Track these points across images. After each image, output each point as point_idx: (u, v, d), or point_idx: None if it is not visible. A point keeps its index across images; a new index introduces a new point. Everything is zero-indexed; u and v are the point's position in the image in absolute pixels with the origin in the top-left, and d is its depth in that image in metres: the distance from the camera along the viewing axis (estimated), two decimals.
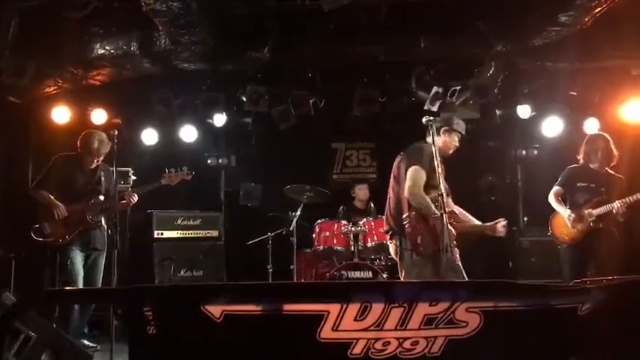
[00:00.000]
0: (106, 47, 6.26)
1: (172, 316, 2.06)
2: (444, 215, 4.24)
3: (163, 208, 7.16)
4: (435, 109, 7.08)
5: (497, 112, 7.63)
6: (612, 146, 5.37)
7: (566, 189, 5.44)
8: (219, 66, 6.85)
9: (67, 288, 5.00)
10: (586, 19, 5.65)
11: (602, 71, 6.91)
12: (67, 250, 5.27)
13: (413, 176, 4.60)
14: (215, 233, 7.36)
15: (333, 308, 2.07)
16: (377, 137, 8.76)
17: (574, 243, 5.32)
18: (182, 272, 6.96)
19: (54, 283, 6.24)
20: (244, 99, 7.24)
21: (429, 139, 4.78)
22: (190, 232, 7.20)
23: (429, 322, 2.09)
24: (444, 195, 4.32)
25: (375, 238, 6.49)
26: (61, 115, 7.09)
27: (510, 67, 6.96)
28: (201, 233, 7.27)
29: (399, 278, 4.82)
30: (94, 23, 6.14)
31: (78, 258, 5.30)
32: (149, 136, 7.70)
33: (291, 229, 6.77)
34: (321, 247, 6.70)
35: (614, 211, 5.11)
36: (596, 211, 5.20)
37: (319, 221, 6.85)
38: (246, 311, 2.06)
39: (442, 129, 4.80)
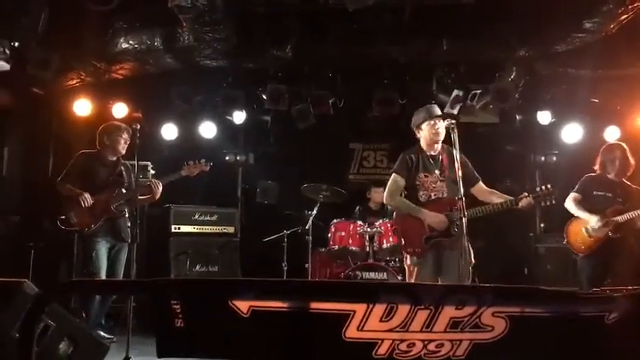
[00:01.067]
0: (130, 42, 6.32)
1: (200, 310, 2.08)
2: (464, 219, 4.25)
3: (181, 203, 7.22)
4: (455, 112, 7.06)
5: (518, 117, 7.62)
6: (629, 155, 5.32)
7: (583, 196, 5.38)
8: (240, 63, 6.89)
9: (97, 279, 5.07)
10: (611, 26, 5.62)
11: (624, 79, 6.85)
12: (93, 241, 5.35)
13: (388, 184, 4.80)
14: (231, 229, 7.42)
15: (360, 308, 2.08)
16: (395, 139, 8.71)
17: (590, 252, 5.25)
18: (197, 267, 7.01)
19: (71, 273, 6.33)
20: (264, 97, 7.26)
21: (421, 141, 4.81)
22: (207, 227, 7.25)
23: (454, 325, 2.09)
24: (463, 199, 4.32)
25: (391, 239, 6.47)
26: (82, 107, 7.18)
27: (532, 73, 6.94)
28: (218, 229, 7.32)
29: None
30: (118, 18, 6.20)
31: (103, 250, 5.38)
32: (169, 131, 7.77)
33: (306, 227, 6.78)
34: (337, 246, 6.70)
35: None
36: (615, 220, 5.12)
37: (335, 221, 6.85)
38: (273, 307, 2.07)
39: (416, 126, 4.80)
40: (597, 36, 5.79)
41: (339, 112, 7.56)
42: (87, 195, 5.33)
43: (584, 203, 5.35)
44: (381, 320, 2.08)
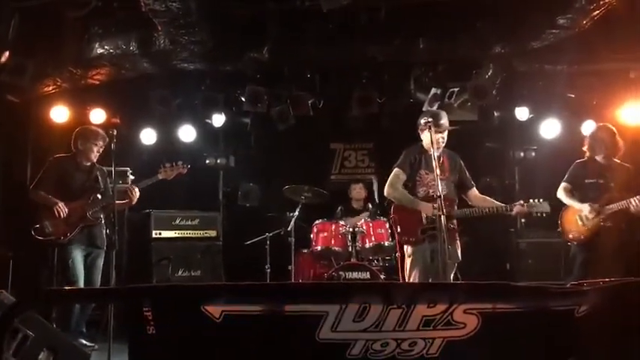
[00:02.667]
0: (106, 47, 6.26)
1: (172, 316, 2.07)
2: (442, 217, 4.31)
3: (162, 208, 7.17)
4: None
5: (496, 113, 7.65)
6: (617, 137, 5.34)
7: (574, 186, 5.41)
8: (218, 66, 6.87)
9: (68, 288, 5.01)
10: (584, 22, 5.68)
11: (600, 74, 6.93)
12: (69, 248, 5.29)
13: (390, 178, 4.94)
14: (213, 233, 7.36)
15: (333, 309, 2.08)
16: (375, 138, 8.78)
17: (584, 240, 5.28)
18: (180, 272, 6.96)
19: (51, 282, 6.26)
20: (243, 99, 7.24)
21: (423, 139, 4.89)
22: (188, 232, 7.19)
23: (427, 323, 2.11)
24: (442, 196, 4.38)
25: (373, 238, 6.50)
26: (60, 114, 7.09)
27: (509, 69, 6.97)
28: (200, 233, 7.26)
29: (397, 278, 4.92)
30: (93, 23, 6.14)
31: (79, 257, 5.32)
32: (148, 136, 7.72)
33: (289, 229, 6.77)
34: (319, 247, 6.69)
35: (632, 208, 5.01)
36: (606, 209, 5.15)
37: (317, 221, 6.85)
38: (246, 311, 2.07)
39: (420, 128, 4.88)
40: (571, 32, 5.84)
41: (319, 112, 7.56)
42: (62, 204, 5.27)
43: (577, 192, 5.38)
44: (354, 320, 2.09)
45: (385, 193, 4.98)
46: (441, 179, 4.68)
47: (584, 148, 5.48)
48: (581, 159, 5.52)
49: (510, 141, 8.11)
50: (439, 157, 4.80)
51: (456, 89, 7.07)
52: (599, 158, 5.38)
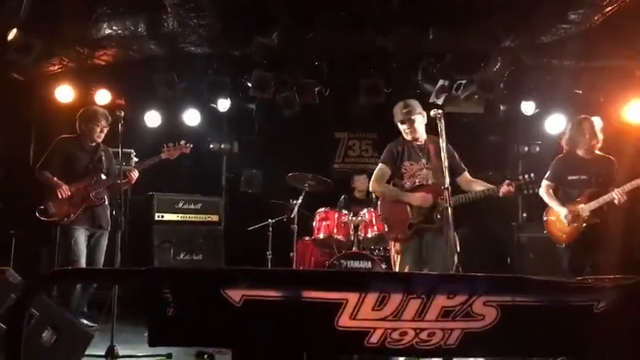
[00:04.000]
0: (114, 27, 6.24)
1: (192, 299, 2.07)
2: (449, 209, 4.28)
3: (165, 191, 7.16)
4: (440, 102, 7.08)
5: (502, 107, 7.67)
6: (598, 129, 5.08)
7: (556, 183, 5.18)
8: (225, 50, 6.84)
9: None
10: (596, 18, 5.67)
11: (607, 71, 6.93)
12: (72, 229, 5.29)
13: (374, 173, 4.89)
14: (215, 218, 7.38)
15: (352, 297, 2.08)
16: (380, 128, 8.75)
17: (572, 240, 5.06)
18: (181, 255, 6.97)
19: (52, 261, 6.25)
20: (250, 84, 7.21)
21: (403, 130, 4.82)
22: (191, 215, 7.20)
23: (446, 314, 2.10)
24: (449, 189, 4.34)
25: (375, 228, 6.49)
26: (64, 94, 7.07)
27: (516, 63, 6.97)
28: (202, 217, 7.28)
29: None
30: (102, 3, 6.11)
31: (82, 238, 5.33)
32: (152, 119, 7.71)
33: (292, 216, 6.77)
34: (322, 235, 6.68)
35: (615, 202, 4.86)
36: (589, 206, 4.96)
37: (320, 210, 6.84)
38: (266, 297, 2.07)
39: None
40: (582, 27, 5.84)
41: (324, 100, 7.54)
42: (65, 187, 5.28)
43: (561, 190, 5.18)
44: (373, 309, 2.08)
45: (370, 189, 4.98)
46: (427, 168, 4.68)
47: (563, 143, 5.25)
48: (561, 155, 5.27)
49: (515, 135, 8.13)
50: (424, 146, 4.74)
51: (463, 81, 7.06)
52: (580, 152, 5.13)
